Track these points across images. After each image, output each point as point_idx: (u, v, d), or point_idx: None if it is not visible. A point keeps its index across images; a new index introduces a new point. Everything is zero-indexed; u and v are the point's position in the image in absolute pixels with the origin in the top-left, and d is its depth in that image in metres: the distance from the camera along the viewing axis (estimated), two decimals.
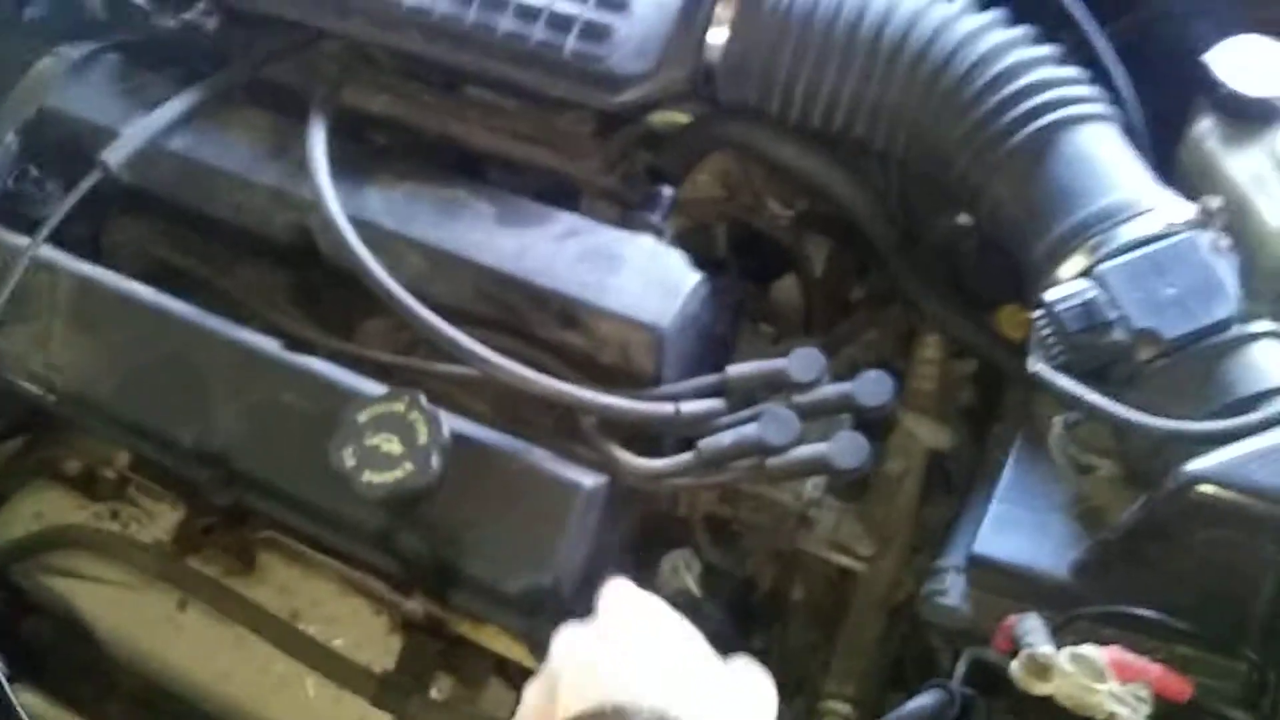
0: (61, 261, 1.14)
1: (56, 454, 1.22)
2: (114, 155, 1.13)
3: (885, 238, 1.10)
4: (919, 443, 1.09)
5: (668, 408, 0.99)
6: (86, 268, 1.14)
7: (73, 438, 1.22)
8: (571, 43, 1.05)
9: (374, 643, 1.08)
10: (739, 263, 1.17)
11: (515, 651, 1.05)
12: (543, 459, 0.99)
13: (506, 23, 1.07)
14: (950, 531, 1.00)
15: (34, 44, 1.29)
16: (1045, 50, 0.99)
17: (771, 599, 1.12)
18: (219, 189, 1.15)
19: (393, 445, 0.97)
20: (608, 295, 1.02)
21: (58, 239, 1.15)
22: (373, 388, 1.03)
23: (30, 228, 1.17)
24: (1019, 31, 1.00)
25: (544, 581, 0.97)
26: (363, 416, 0.98)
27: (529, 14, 1.06)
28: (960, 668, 0.90)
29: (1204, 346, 0.86)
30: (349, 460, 0.97)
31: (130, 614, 1.14)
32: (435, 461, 0.96)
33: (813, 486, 1.05)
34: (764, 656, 1.02)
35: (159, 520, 1.18)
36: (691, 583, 1.05)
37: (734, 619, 1.11)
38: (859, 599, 1.08)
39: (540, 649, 1.01)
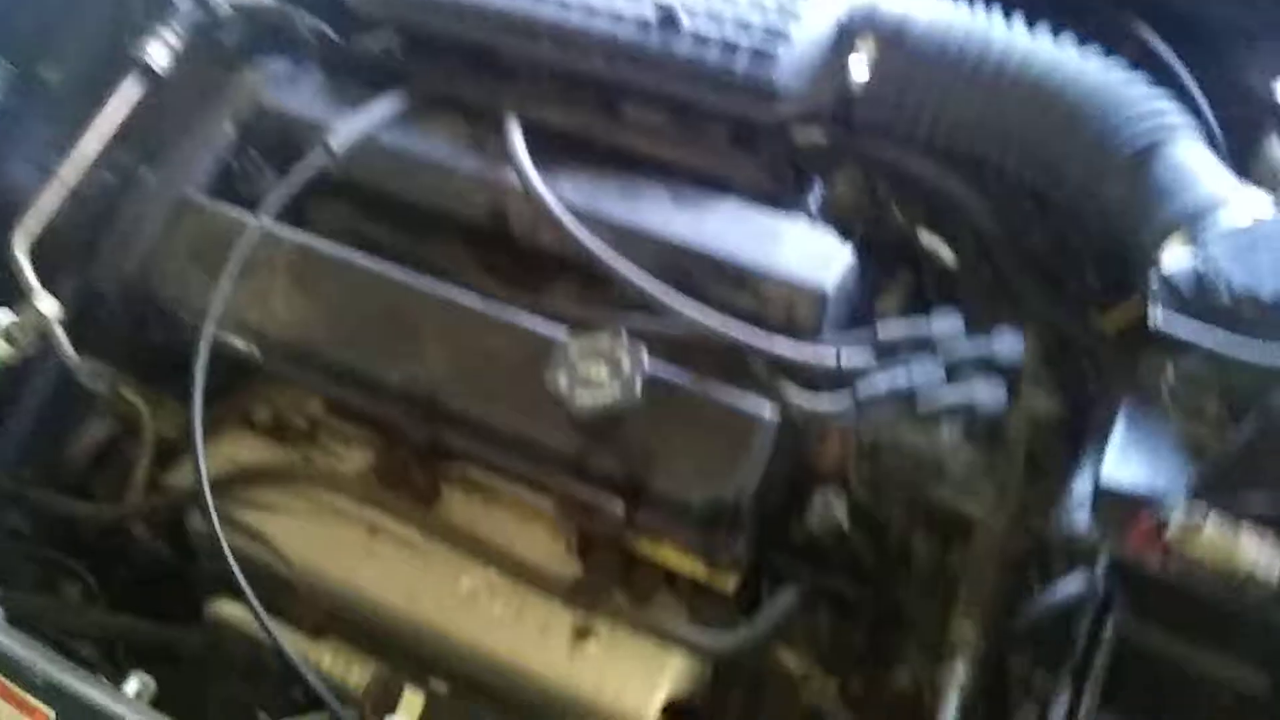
0: (283, 231, 1.30)
1: (247, 404, 1.36)
2: (335, 140, 1.30)
3: (998, 240, 1.29)
4: (1032, 410, 1.26)
5: (831, 355, 1.16)
6: (306, 236, 1.31)
7: (265, 390, 1.36)
8: (743, 63, 1.25)
9: (554, 566, 1.22)
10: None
11: (686, 566, 1.19)
12: (726, 393, 1.16)
13: (684, 48, 1.27)
14: (1066, 475, 1.16)
15: (228, 59, 1.49)
16: (1140, 79, 1.20)
17: (899, 547, 1.26)
18: (421, 175, 1.33)
19: (601, 372, 1.13)
20: (776, 262, 1.20)
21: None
22: (559, 328, 1.19)
23: (247, 205, 1.34)
24: (1115, 64, 1.21)
25: (726, 495, 1.12)
26: (574, 348, 1.14)
27: (703, 41, 1.26)
28: (1101, 562, 1.06)
29: None
30: (563, 384, 1.13)
31: (322, 543, 1.27)
32: (638, 386, 1.12)
33: (949, 434, 1.21)
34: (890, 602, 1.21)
35: (348, 463, 1.32)
36: (843, 516, 1.20)
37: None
38: (980, 546, 1.23)
39: (714, 561, 1.17)
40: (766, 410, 1.15)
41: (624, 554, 1.20)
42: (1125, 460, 1.10)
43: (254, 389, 1.37)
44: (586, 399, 1.12)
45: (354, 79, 1.43)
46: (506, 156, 1.28)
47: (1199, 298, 1.07)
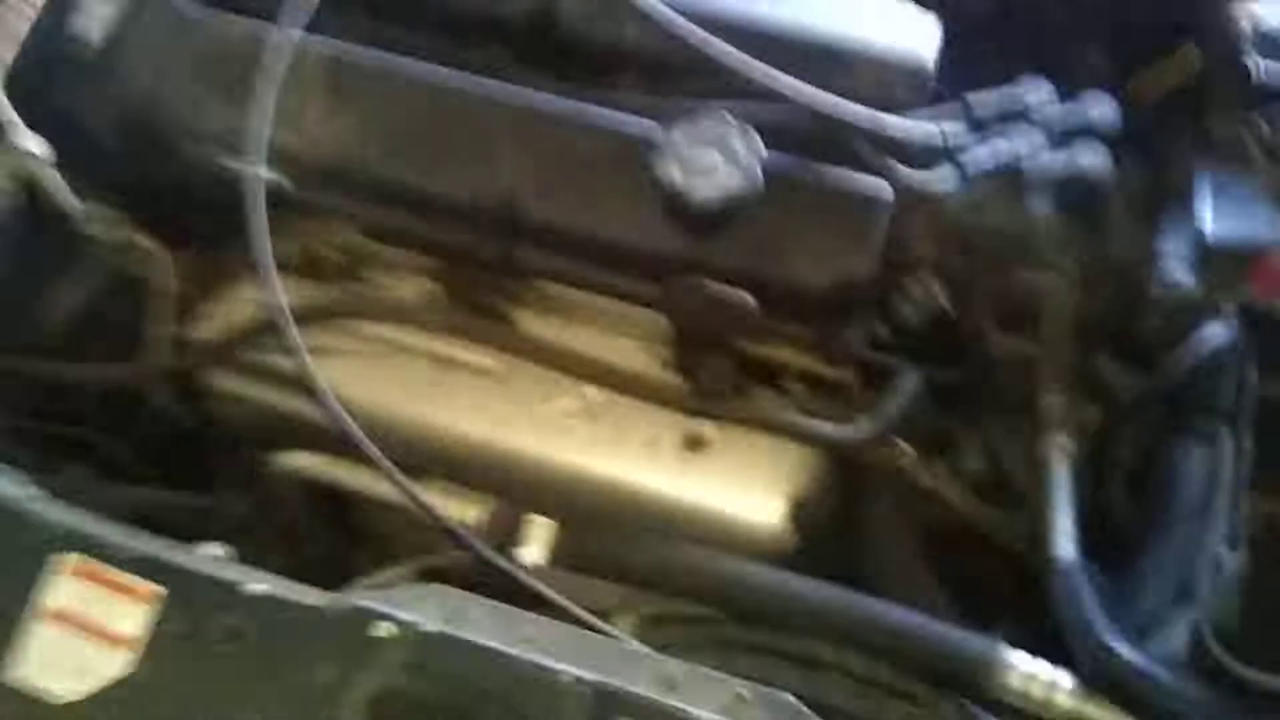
0: (311, 41, 1.15)
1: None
2: None
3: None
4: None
5: (930, 126, 1.11)
6: (336, 44, 1.16)
7: (288, 226, 1.21)
8: None
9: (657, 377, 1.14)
10: None
11: (802, 362, 1.13)
12: (842, 176, 1.09)
13: None
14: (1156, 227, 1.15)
15: None
16: None
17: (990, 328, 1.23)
18: None
19: (713, 157, 1.05)
20: (868, 38, 1.14)
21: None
22: (652, 123, 1.10)
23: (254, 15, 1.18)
24: None
25: (851, 278, 1.07)
26: (677, 134, 1.06)
27: None
28: (1230, 311, 1.06)
29: None
30: (676, 176, 1.04)
31: (386, 382, 1.15)
32: (758, 170, 1.04)
33: (1038, 207, 1.18)
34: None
35: (404, 292, 1.20)
36: (943, 299, 1.15)
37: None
38: (1057, 318, 1.21)
39: (833, 353, 1.11)
40: (883, 188, 1.09)
41: (734, 357, 1.13)
42: (1223, 216, 1.10)
43: (276, 225, 1.22)
44: (705, 189, 1.04)
45: None
46: None
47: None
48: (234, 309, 1.20)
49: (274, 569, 1.13)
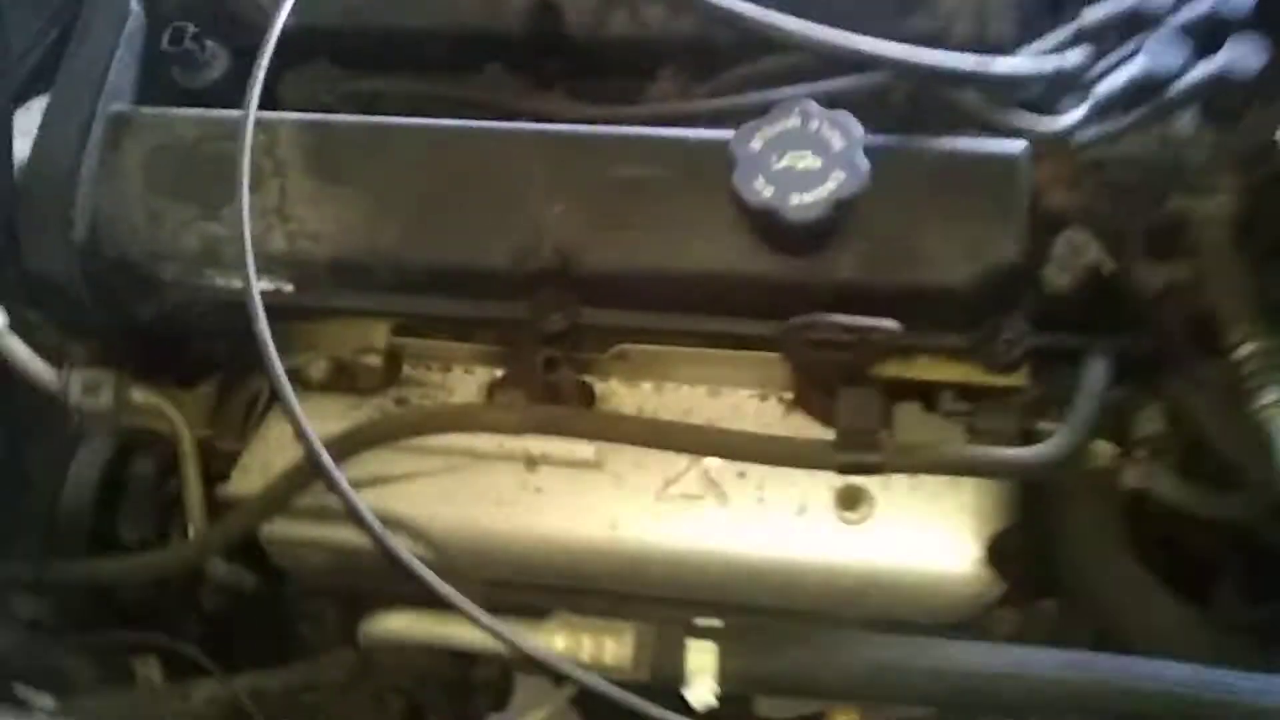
0: (276, 120, 0.94)
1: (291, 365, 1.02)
2: None
3: None
4: None
5: (1050, 62, 0.90)
6: (308, 116, 0.95)
7: (302, 338, 1.02)
8: None
9: (785, 431, 0.95)
10: None
11: (958, 374, 0.93)
12: (957, 143, 0.89)
13: None
14: None
15: None
16: None
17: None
18: None
19: (809, 160, 0.84)
20: None
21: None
22: (715, 132, 0.90)
23: (190, 99, 0.99)
24: None
25: (1002, 261, 0.86)
26: (756, 143, 0.85)
27: None
28: None
29: None
30: (766, 191, 0.84)
31: (472, 499, 0.96)
32: (862, 161, 0.84)
33: (1183, 125, 0.98)
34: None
35: (461, 389, 1.00)
36: (1099, 255, 0.95)
37: None
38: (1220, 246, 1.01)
39: (994, 355, 0.91)
40: (1014, 146, 0.88)
41: (874, 386, 0.93)
42: None
43: (289, 340, 1.02)
44: (807, 198, 0.83)
45: None
46: None
47: None
48: (271, 451, 1.00)
49: None
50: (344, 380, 1.01)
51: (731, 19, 0.88)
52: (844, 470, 0.89)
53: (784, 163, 0.84)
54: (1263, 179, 0.97)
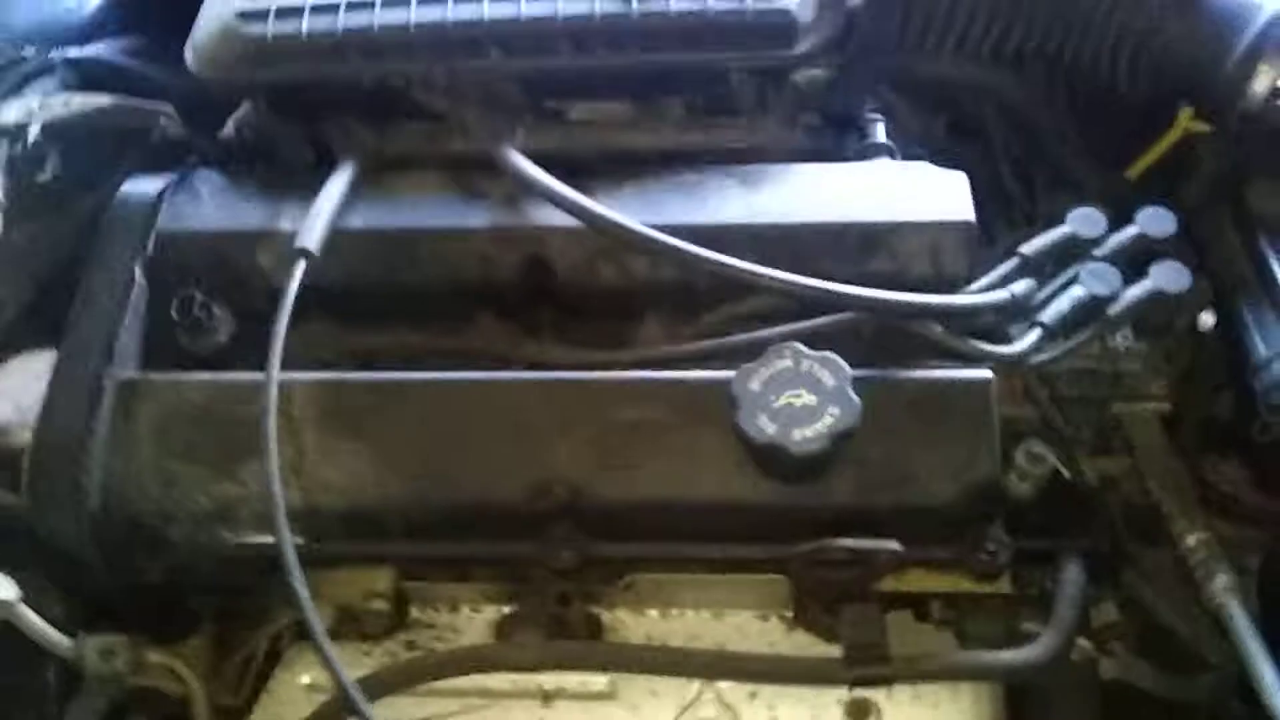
0: (288, 378, 0.97)
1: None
2: (308, 239, 1.00)
3: (1050, 126, 1.18)
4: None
5: (1002, 294, 1.00)
6: (320, 375, 1.00)
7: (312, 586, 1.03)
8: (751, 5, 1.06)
9: (790, 650, 1.00)
10: None
11: (945, 584, 1.00)
12: (928, 372, 0.97)
13: (677, 4, 1.06)
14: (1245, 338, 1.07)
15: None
16: None
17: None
18: (422, 249, 1.04)
19: (805, 398, 0.91)
20: (901, 210, 1.03)
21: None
22: (709, 373, 0.97)
23: (198, 364, 1.02)
24: None
25: (980, 479, 0.94)
26: (755, 385, 0.92)
27: None
28: None
29: None
30: (769, 428, 0.91)
31: None
32: (854, 396, 0.92)
33: (1121, 339, 1.08)
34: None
35: (469, 630, 1.03)
36: (1059, 463, 1.04)
37: None
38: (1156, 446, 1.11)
39: (977, 564, 0.98)
40: (981, 372, 0.97)
41: (870, 601, 0.98)
42: None
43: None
44: (807, 433, 0.90)
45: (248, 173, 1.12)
46: (531, 192, 1.03)
47: None
48: (282, 707, 1.01)
49: None
50: (352, 627, 1.03)
51: (720, 269, 0.97)
52: (856, 684, 0.94)
53: (783, 401, 0.91)
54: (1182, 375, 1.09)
